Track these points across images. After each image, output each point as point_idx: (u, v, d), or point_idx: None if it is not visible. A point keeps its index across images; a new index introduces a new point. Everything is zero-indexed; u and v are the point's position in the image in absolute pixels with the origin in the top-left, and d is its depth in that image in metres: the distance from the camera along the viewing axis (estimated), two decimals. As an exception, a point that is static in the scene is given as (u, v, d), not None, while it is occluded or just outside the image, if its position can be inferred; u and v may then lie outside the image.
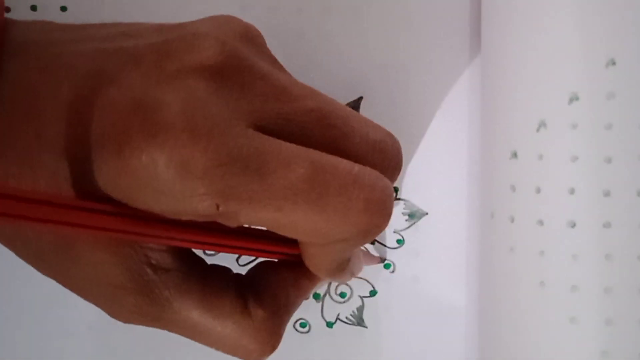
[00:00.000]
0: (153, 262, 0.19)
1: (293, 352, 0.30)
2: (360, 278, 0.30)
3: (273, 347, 0.21)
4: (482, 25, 0.28)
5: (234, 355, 0.21)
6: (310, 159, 0.17)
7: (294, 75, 0.21)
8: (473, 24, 0.29)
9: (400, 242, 0.30)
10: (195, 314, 0.19)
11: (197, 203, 0.16)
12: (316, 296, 0.30)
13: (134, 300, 0.19)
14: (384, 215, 0.18)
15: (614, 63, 0.23)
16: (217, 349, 0.21)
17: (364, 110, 0.30)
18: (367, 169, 0.18)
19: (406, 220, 0.30)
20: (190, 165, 0.16)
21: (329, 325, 0.30)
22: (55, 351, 0.30)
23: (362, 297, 0.30)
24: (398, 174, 0.21)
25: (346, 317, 0.30)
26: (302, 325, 0.30)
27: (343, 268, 0.22)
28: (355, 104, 0.29)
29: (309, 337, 0.30)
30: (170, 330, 0.20)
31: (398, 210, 0.30)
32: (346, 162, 0.18)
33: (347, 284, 0.30)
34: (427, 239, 0.30)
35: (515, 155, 0.25)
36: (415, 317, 0.30)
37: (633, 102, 0.23)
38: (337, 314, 0.30)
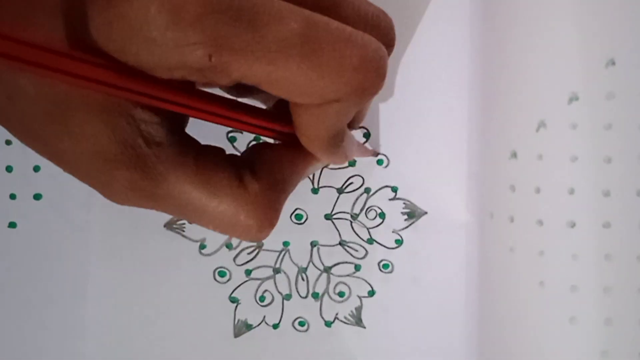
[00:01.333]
0: (146, 134, 0.19)
1: (292, 351, 0.30)
2: (358, 277, 0.30)
3: (271, 223, 0.20)
4: (482, 25, 0.28)
5: (232, 234, 0.20)
6: (303, 15, 0.17)
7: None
8: (473, 23, 0.29)
9: (399, 242, 0.30)
10: (190, 189, 0.19)
11: (189, 53, 0.16)
12: (315, 295, 0.30)
13: (128, 174, 0.19)
14: (379, 74, 0.18)
15: (613, 63, 0.23)
16: (214, 228, 0.20)
17: (364, 110, 0.30)
18: (360, 32, 0.18)
19: (405, 220, 0.30)
20: (182, 12, 0.16)
21: (328, 324, 0.30)
22: (55, 351, 0.30)
23: (360, 297, 0.30)
24: (391, 51, 0.21)
25: (344, 317, 0.30)
26: (301, 324, 0.30)
27: (338, 143, 0.21)
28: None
29: (308, 336, 0.30)
30: (165, 210, 0.20)
31: (397, 209, 0.30)
32: (339, 23, 0.18)
33: (345, 284, 0.30)
34: (426, 239, 0.30)
35: (515, 155, 0.25)
36: (414, 317, 0.30)
37: (633, 102, 0.23)
38: (335, 313, 0.30)
